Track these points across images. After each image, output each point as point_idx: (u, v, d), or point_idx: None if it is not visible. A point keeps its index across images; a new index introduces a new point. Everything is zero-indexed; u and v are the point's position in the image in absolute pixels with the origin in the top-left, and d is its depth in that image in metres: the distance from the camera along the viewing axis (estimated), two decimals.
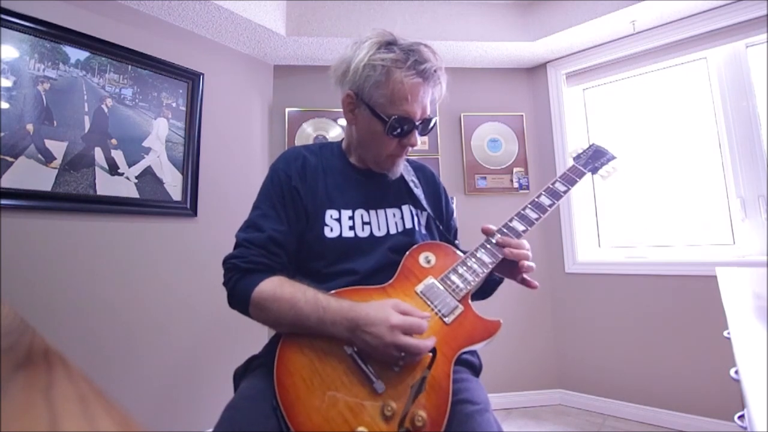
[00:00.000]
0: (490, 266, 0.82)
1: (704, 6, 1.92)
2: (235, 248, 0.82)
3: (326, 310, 0.71)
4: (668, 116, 2.17)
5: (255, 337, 2.01)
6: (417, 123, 0.83)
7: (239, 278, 0.78)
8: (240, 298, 0.78)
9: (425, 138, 2.28)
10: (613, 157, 1.04)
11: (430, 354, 0.71)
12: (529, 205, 0.90)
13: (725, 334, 0.84)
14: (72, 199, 1.57)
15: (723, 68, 2.00)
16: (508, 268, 0.84)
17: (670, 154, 2.15)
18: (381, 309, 0.70)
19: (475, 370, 0.88)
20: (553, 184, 0.94)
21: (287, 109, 2.32)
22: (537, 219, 0.88)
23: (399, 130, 0.82)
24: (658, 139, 2.19)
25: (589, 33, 2.15)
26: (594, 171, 1.01)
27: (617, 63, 2.26)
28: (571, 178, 0.96)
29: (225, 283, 0.81)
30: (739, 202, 1.91)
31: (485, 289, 0.92)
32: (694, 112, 2.10)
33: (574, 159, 1.04)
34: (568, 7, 2.12)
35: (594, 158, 1.03)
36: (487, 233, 0.86)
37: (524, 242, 0.84)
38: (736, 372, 0.55)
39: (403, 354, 0.67)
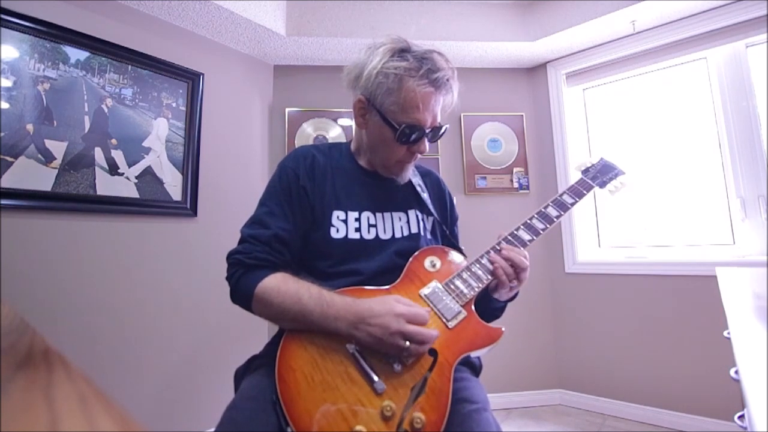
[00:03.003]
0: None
1: (704, 6, 1.92)
2: (239, 243, 0.83)
3: (330, 305, 0.72)
4: (668, 116, 2.17)
5: (255, 337, 2.01)
6: (427, 131, 0.84)
7: (243, 273, 0.79)
8: (243, 293, 0.78)
9: None
10: (622, 173, 1.03)
11: (432, 357, 0.72)
12: (536, 216, 0.90)
13: (725, 334, 0.84)
14: (72, 199, 1.57)
15: (723, 68, 2.00)
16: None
17: (670, 154, 2.15)
18: (384, 302, 0.72)
19: (475, 370, 0.88)
20: (560, 195, 0.94)
21: (287, 109, 2.32)
22: (543, 229, 0.88)
23: (409, 138, 0.83)
24: (658, 139, 2.19)
25: (589, 33, 2.15)
26: (602, 185, 1.00)
27: (617, 63, 2.26)
28: (578, 191, 0.96)
29: (228, 278, 0.81)
30: (739, 202, 1.91)
31: (492, 313, 0.89)
32: (694, 112, 2.09)
33: (582, 172, 1.03)
34: (568, 7, 2.12)
35: (602, 172, 1.02)
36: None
37: (525, 254, 0.83)
38: (736, 372, 0.55)
39: (408, 344, 0.68)
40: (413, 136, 0.83)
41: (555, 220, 0.90)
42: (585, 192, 0.96)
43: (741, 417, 0.69)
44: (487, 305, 0.86)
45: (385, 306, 0.71)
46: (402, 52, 0.82)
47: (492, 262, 0.82)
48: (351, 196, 0.89)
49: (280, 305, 0.74)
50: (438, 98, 0.83)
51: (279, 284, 0.76)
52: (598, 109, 2.42)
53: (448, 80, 0.82)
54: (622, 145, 2.29)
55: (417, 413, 0.65)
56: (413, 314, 0.70)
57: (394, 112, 0.82)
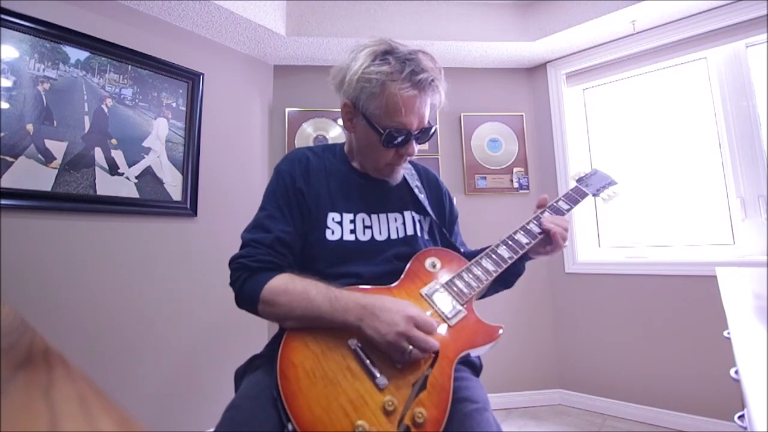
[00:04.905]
0: (494, 274, 0.84)
1: (704, 6, 1.92)
2: (241, 248, 0.83)
3: (338, 298, 0.73)
4: (668, 116, 2.17)
5: (255, 336, 2.01)
6: (414, 133, 0.83)
7: (248, 277, 0.79)
8: (249, 297, 0.78)
9: None
10: (614, 182, 1.09)
11: (433, 354, 0.72)
12: (533, 221, 0.93)
13: (725, 334, 0.84)
14: (72, 199, 1.57)
15: (723, 68, 2.00)
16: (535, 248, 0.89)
17: (670, 154, 2.15)
18: (397, 301, 0.73)
19: (476, 369, 0.89)
20: (556, 202, 0.98)
21: (287, 109, 2.32)
22: (540, 234, 0.90)
23: (395, 141, 0.83)
24: (658, 139, 2.19)
25: (589, 33, 2.15)
26: (596, 193, 1.06)
27: (617, 63, 2.26)
28: (573, 198, 1.01)
29: (232, 284, 0.81)
30: (739, 202, 1.91)
31: (508, 279, 0.96)
32: (694, 112, 2.09)
33: (577, 181, 1.08)
34: (568, 7, 2.12)
35: (596, 182, 1.08)
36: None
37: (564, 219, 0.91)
38: (736, 372, 0.55)
39: (410, 348, 0.68)
40: (399, 140, 0.83)
41: None
42: (580, 199, 1.02)
43: (741, 417, 0.69)
44: (513, 269, 0.90)
45: (397, 304, 0.71)
46: (384, 54, 0.80)
47: (544, 228, 0.88)
48: (346, 197, 0.89)
49: (288, 304, 0.74)
50: (424, 100, 0.82)
51: (286, 283, 0.76)
52: (598, 109, 2.42)
53: (432, 81, 0.80)
54: (623, 145, 2.29)
55: (418, 408, 0.65)
56: (424, 321, 0.70)
57: (378, 117, 0.81)
